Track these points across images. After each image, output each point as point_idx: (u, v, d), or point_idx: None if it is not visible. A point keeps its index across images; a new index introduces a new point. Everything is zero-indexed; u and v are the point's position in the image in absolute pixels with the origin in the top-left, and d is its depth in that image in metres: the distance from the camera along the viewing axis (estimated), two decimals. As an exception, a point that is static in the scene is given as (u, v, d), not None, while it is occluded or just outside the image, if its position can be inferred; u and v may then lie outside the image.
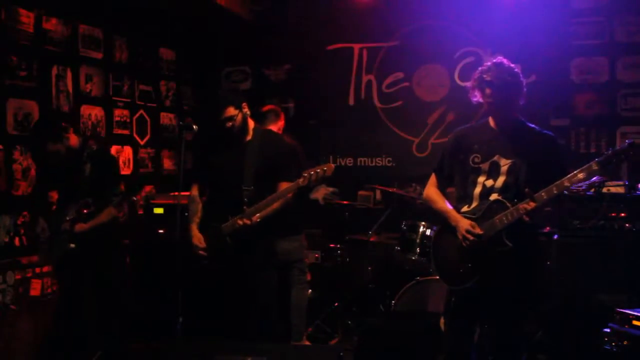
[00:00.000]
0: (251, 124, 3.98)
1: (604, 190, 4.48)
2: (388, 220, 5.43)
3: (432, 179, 3.64)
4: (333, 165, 3.58)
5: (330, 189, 6.28)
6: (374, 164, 6.68)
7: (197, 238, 3.88)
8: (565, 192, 4.45)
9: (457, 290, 3.44)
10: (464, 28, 6.25)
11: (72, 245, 4.21)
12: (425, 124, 6.43)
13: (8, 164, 4.72)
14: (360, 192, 6.49)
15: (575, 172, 3.13)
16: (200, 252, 3.85)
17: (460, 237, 3.33)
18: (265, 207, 3.72)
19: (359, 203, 6.30)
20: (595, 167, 3.09)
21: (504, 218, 3.22)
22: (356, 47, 6.68)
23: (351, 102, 6.73)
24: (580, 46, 5.99)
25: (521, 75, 3.35)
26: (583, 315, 4.29)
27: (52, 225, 4.48)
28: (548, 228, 4.92)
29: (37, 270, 4.93)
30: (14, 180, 4.75)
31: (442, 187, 3.59)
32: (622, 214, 4.44)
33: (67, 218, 4.24)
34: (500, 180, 3.33)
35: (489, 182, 3.35)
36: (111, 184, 4.33)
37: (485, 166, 3.36)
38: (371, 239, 5.43)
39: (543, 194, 3.15)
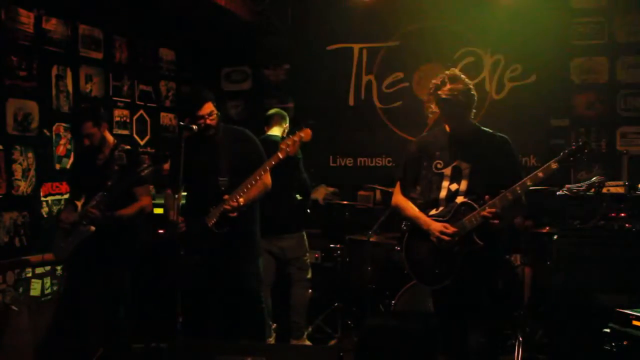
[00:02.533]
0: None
1: (604, 190, 4.48)
2: (388, 220, 5.42)
3: (398, 187, 3.73)
4: (309, 130, 3.62)
5: (331, 189, 6.27)
6: (374, 164, 6.68)
7: (173, 213, 3.85)
8: (567, 192, 4.49)
9: (436, 290, 3.59)
10: (464, 28, 6.24)
11: (92, 228, 4.21)
12: (425, 124, 6.41)
13: (8, 164, 4.72)
14: (360, 192, 6.48)
15: (535, 172, 3.30)
16: (181, 225, 3.84)
17: (434, 239, 3.45)
18: (245, 187, 3.77)
19: (359, 203, 6.29)
20: (554, 166, 3.27)
21: (473, 219, 3.38)
22: (356, 47, 6.68)
23: (351, 102, 6.73)
24: (580, 46, 6.00)
25: (473, 88, 3.47)
26: (583, 315, 4.29)
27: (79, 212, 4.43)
28: (547, 228, 4.94)
29: (37, 270, 4.93)
30: (13, 180, 4.76)
31: (407, 194, 3.69)
32: (622, 214, 4.44)
33: (93, 203, 4.22)
34: (464, 183, 3.47)
35: (454, 186, 3.49)
36: (139, 181, 4.34)
37: (447, 171, 3.51)
38: (371, 239, 5.42)
39: (508, 195, 3.31)
